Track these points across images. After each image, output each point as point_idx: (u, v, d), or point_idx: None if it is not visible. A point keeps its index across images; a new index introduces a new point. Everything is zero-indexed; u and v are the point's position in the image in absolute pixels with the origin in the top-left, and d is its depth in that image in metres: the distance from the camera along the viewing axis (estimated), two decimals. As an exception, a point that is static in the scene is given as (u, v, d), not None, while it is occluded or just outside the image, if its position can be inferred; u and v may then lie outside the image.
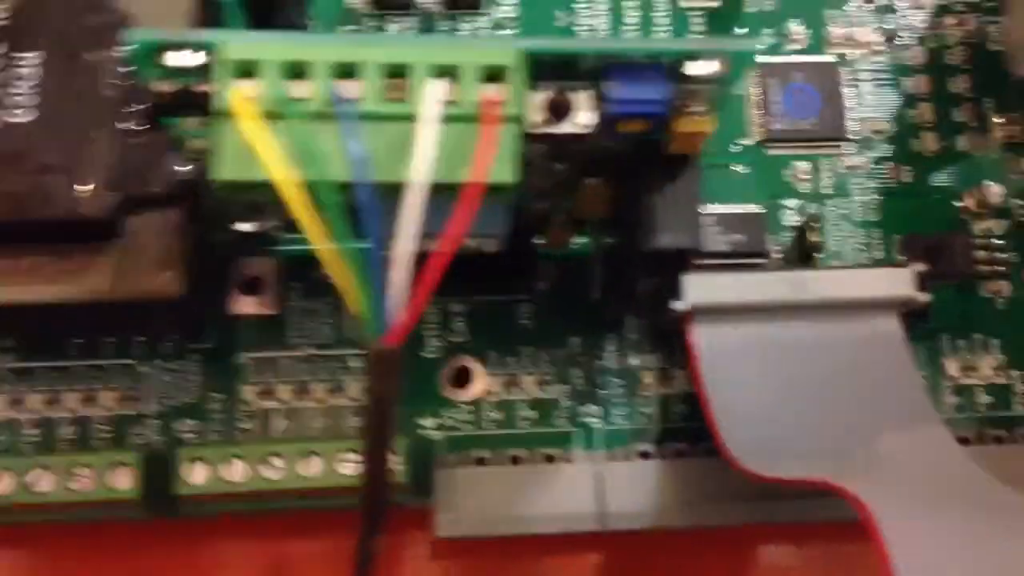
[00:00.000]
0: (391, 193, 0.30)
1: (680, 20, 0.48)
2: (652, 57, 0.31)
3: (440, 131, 0.29)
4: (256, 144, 0.28)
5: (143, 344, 0.43)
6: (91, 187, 0.37)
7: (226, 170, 0.29)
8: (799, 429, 0.38)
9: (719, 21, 0.48)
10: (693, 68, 0.31)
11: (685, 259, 0.37)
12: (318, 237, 0.27)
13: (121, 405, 0.42)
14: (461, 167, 0.30)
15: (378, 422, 0.27)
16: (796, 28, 0.48)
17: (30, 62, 0.38)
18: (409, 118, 0.30)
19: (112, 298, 0.37)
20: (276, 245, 0.44)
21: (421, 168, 0.27)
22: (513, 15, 0.48)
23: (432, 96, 0.28)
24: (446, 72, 0.30)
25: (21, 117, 0.37)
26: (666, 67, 0.31)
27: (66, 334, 0.42)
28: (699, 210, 0.35)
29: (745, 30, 0.48)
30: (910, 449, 0.37)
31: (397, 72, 0.30)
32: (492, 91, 0.30)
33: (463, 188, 0.28)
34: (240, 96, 0.28)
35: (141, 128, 0.38)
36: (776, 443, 0.37)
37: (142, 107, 0.38)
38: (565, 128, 0.31)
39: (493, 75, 0.31)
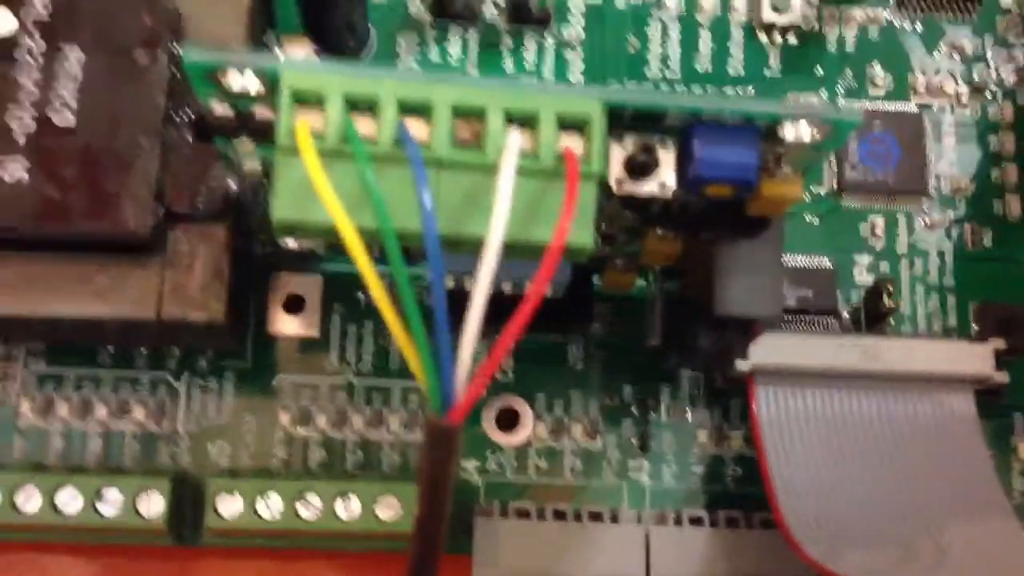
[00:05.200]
0: (454, 245, 0.28)
1: (756, 55, 0.46)
2: (746, 118, 0.29)
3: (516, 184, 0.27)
4: (318, 185, 0.26)
5: (177, 357, 0.41)
6: (135, 200, 0.35)
7: (285, 209, 0.28)
8: (864, 511, 0.36)
9: (797, 58, 0.46)
10: (789, 132, 0.29)
11: (755, 325, 0.35)
12: (380, 296, 0.25)
13: (152, 420, 0.40)
14: (534, 225, 0.28)
15: (433, 499, 0.26)
16: (878, 73, 0.46)
17: (73, 60, 0.36)
18: (480, 167, 0.28)
19: (151, 318, 0.36)
20: (321, 262, 0.43)
21: (498, 228, 0.25)
22: (580, 36, 0.45)
23: (513, 148, 0.26)
24: (523, 119, 0.28)
25: (65, 120, 0.35)
26: (760, 129, 0.29)
27: (99, 343, 0.40)
28: (778, 278, 0.33)
29: (820, 72, 0.46)
30: (979, 542, 0.35)
31: (470, 114, 0.28)
32: (571, 143, 0.28)
33: (541, 251, 0.26)
34: (305, 133, 0.26)
35: (189, 138, 0.36)
36: (839, 525, 0.35)
37: (190, 116, 0.37)
38: (646, 188, 0.29)
39: (573, 125, 0.28)
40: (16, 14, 0.35)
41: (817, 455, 0.37)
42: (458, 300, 0.26)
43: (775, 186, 0.30)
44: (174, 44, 0.36)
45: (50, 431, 0.40)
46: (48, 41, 0.35)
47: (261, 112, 0.29)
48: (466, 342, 0.25)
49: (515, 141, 0.27)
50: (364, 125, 0.28)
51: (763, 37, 0.46)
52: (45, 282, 0.35)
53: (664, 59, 0.45)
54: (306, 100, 0.28)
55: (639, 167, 0.29)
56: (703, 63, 0.45)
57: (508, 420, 0.42)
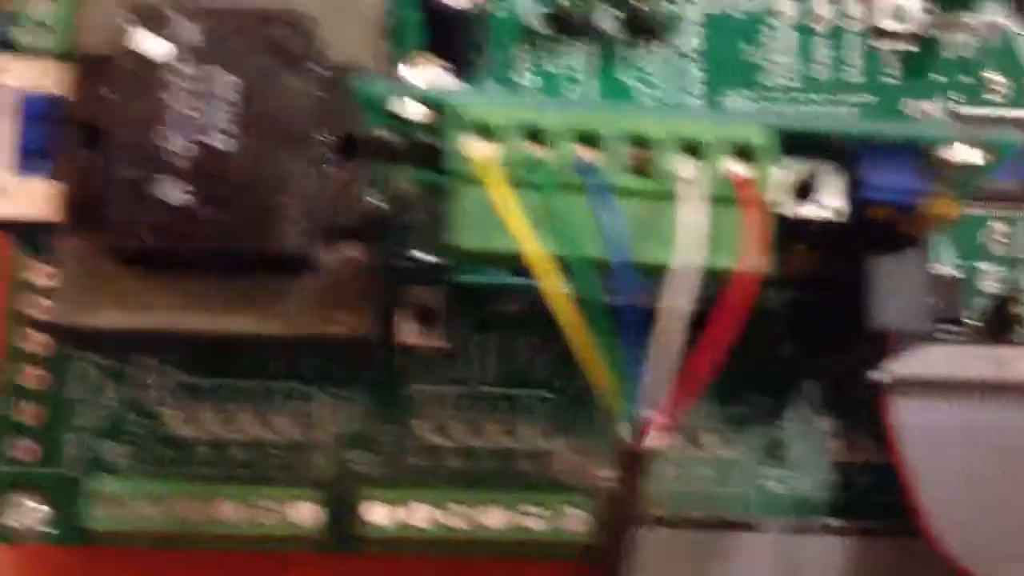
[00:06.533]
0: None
1: (873, 61, 0.46)
2: (911, 141, 0.29)
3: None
4: (505, 212, 0.27)
5: (313, 367, 0.42)
6: (292, 220, 0.36)
7: (464, 238, 0.28)
8: (1013, 522, 0.36)
9: (914, 65, 0.46)
10: (953, 154, 0.29)
11: (899, 340, 0.35)
12: (571, 322, 0.26)
13: (293, 430, 0.42)
14: (712, 251, 0.28)
15: (618, 522, 0.26)
16: (996, 78, 0.46)
17: (226, 84, 0.37)
18: (651, 194, 0.29)
19: (303, 334, 0.37)
20: (449, 273, 0.43)
21: (687, 254, 0.26)
22: (697, 47, 0.46)
23: (694, 179, 0.27)
24: (693, 147, 0.29)
25: (220, 142, 0.36)
26: (924, 152, 0.30)
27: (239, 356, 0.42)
28: (928, 293, 0.33)
29: (943, 78, 0.46)
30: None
31: (640, 142, 0.29)
32: (741, 170, 0.29)
33: (728, 280, 0.27)
34: (487, 160, 0.27)
35: (336, 157, 0.37)
36: (995, 540, 0.35)
37: (338, 136, 0.37)
38: (812, 212, 0.30)
39: (742, 153, 0.29)
40: (169, 41, 0.36)
41: (957, 465, 0.38)
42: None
43: (935, 206, 0.31)
44: (318, 66, 0.37)
45: (194, 440, 0.41)
46: (201, 67, 0.36)
47: (430, 141, 0.30)
48: (656, 370, 0.26)
49: (694, 172, 0.27)
50: (538, 154, 0.29)
51: (880, 44, 0.46)
52: (203, 300, 0.36)
53: (781, 68, 0.46)
54: (480, 131, 0.29)
55: (805, 191, 0.29)
56: (821, 71, 0.46)
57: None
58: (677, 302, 0.26)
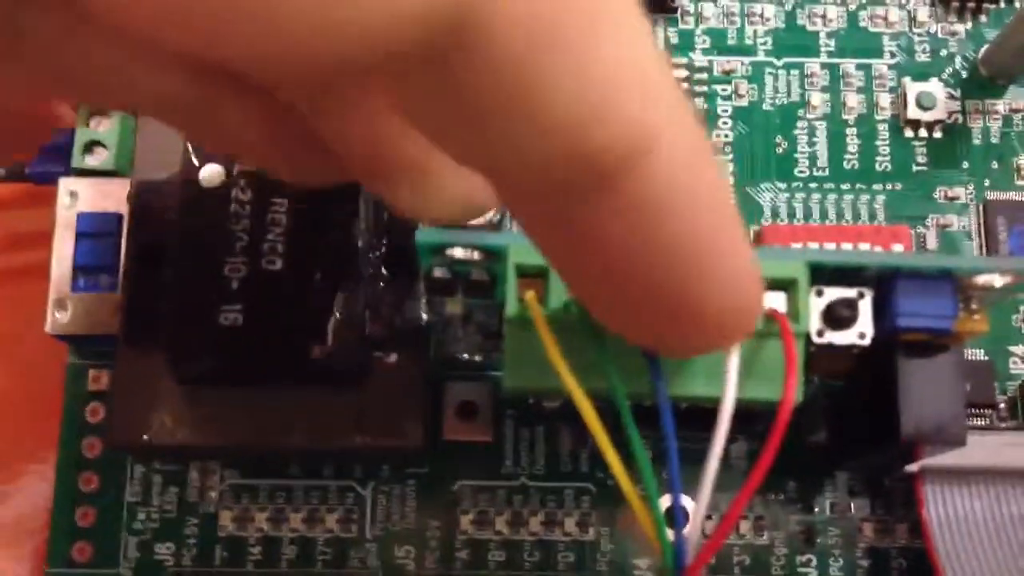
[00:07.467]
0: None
1: (902, 151, 0.47)
2: (942, 271, 0.30)
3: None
4: (551, 354, 0.28)
5: (362, 467, 0.43)
6: (342, 337, 0.37)
7: (515, 378, 0.30)
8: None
9: (943, 152, 0.47)
10: (983, 280, 0.30)
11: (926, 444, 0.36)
12: (615, 462, 0.27)
13: (341, 527, 0.43)
14: (745, 383, 0.30)
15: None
16: (1025, 162, 0.47)
17: (279, 210, 0.38)
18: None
19: (353, 447, 0.38)
20: (491, 370, 0.45)
21: (730, 394, 0.27)
22: (729, 139, 0.47)
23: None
24: (732, 282, 0.30)
25: (275, 265, 0.38)
26: (956, 280, 0.31)
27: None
28: (961, 399, 0.34)
29: (966, 165, 0.47)
30: None
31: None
32: (777, 303, 0.30)
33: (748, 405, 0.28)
34: (536, 306, 0.29)
35: (383, 272, 0.39)
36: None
37: (384, 252, 0.39)
38: (846, 339, 0.31)
39: (777, 286, 0.30)
40: (227, 166, 0.38)
41: (991, 557, 0.39)
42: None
43: (965, 324, 0.32)
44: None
45: (248, 539, 0.43)
46: (256, 192, 0.38)
47: (480, 277, 0.31)
48: (699, 507, 0.27)
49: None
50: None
51: (909, 132, 0.47)
52: (257, 415, 0.38)
53: (812, 158, 0.47)
54: (528, 273, 0.30)
55: (840, 320, 0.31)
56: (851, 161, 0.47)
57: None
58: (721, 437, 0.27)
